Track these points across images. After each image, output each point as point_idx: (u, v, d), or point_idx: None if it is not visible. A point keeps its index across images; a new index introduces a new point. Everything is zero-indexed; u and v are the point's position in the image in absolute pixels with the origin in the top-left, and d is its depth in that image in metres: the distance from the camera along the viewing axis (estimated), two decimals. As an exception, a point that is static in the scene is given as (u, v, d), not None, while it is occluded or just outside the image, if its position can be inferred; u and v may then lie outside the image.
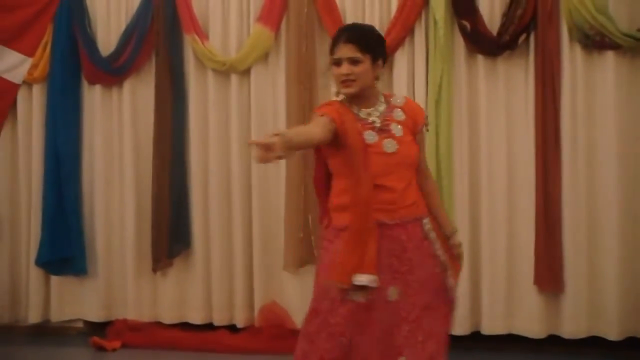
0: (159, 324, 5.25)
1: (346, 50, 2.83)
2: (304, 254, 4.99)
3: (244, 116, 5.15)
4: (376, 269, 2.78)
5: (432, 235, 2.93)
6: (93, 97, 5.34)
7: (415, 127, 2.94)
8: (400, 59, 4.86)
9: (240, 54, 5.09)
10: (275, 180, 5.10)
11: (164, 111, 5.19)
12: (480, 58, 4.77)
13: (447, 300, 2.93)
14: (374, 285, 2.78)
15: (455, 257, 2.97)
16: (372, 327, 2.83)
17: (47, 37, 5.33)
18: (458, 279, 2.99)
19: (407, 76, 4.86)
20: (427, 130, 3.04)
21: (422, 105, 4.74)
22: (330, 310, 2.84)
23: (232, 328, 5.16)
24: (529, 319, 4.74)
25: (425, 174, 3.03)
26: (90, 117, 5.35)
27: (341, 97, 2.89)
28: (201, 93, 5.22)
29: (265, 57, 5.10)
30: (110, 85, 5.34)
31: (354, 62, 2.82)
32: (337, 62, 2.85)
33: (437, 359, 2.88)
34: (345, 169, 2.86)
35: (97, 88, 5.34)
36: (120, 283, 5.30)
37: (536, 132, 4.67)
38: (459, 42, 4.79)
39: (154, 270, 5.23)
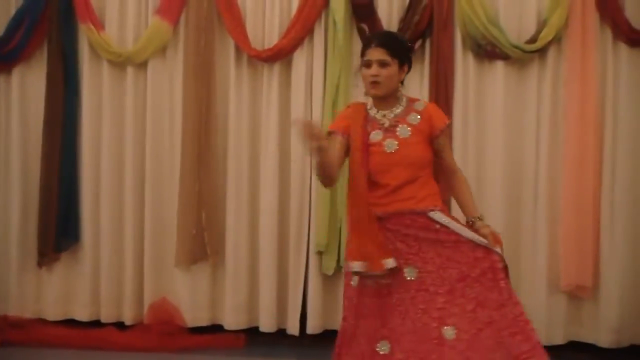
0: (42, 321, 5.08)
1: (376, 54, 3.12)
2: (196, 250, 4.94)
3: (139, 110, 5.05)
4: (364, 256, 3.06)
5: (452, 224, 3.12)
6: (-20, 80, 5.13)
7: (432, 131, 3.18)
8: (299, 59, 4.89)
9: (137, 47, 5.00)
10: (169, 176, 5.03)
11: (55, 101, 5.03)
12: (377, 61, 4.85)
13: (491, 270, 3.06)
14: (360, 269, 3.07)
15: (488, 236, 3.11)
16: (397, 308, 3.09)
17: None
18: (500, 246, 3.12)
19: (306, 76, 4.89)
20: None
21: (319, 106, 4.83)
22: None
23: (120, 325, 5.05)
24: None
25: (452, 171, 3.27)
26: (-24, 104, 5.14)
27: (367, 99, 3.23)
28: (95, 84, 5.10)
29: (163, 50, 5.03)
30: None
31: (382, 64, 3.11)
32: (367, 64, 3.14)
33: (497, 320, 3.02)
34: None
35: (-1, 79, 5.14)
36: (1, 277, 5.09)
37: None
38: (357, 45, 4.84)
39: (40, 264, 5.06)
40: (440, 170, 3.29)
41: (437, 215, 3.13)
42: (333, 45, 4.80)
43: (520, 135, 4.79)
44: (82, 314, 5.09)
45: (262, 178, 4.96)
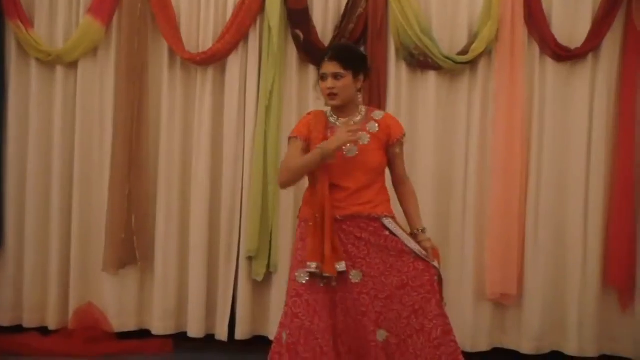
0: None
1: (330, 67, 3.31)
2: (124, 255, 4.87)
3: (69, 110, 4.96)
4: (320, 257, 3.21)
5: (399, 232, 3.33)
6: None
7: (388, 140, 3.38)
8: (234, 63, 4.87)
9: (67, 46, 4.90)
10: (98, 178, 4.94)
11: None
12: (311, 67, 4.86)
13: (429, 282, 3.26)
14: (314, 270, 3.20)
15: (429, 250, 3.33)
16: (340, 305, 3.27)
17: None
18: (438, 261, 3.35)
19: (240, 80, 4.88)
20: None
21: (252, 110, 4.82)
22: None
23: (43, 330, 4.92)
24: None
25: (402, 181, 3.47)
26: None
27: (326, 108, 3.41)
28: (23, 84, 4.99)
29: (94, 50, 4.95)
30: None
31: (336, 76, 3.30)
32: (323, 77, 3.34)
33: (428, 330, 3.22)
34: None
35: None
36: None
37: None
38: (292, 51, 4.87)
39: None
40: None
41: (389, 223, 3.33)
42: (268, 51, 4.80)
43: (450, 144, 4.86)
44: (4, 319, 4.96)
45: (194, 182, 4.92)
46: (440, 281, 3.32)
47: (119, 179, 4.86)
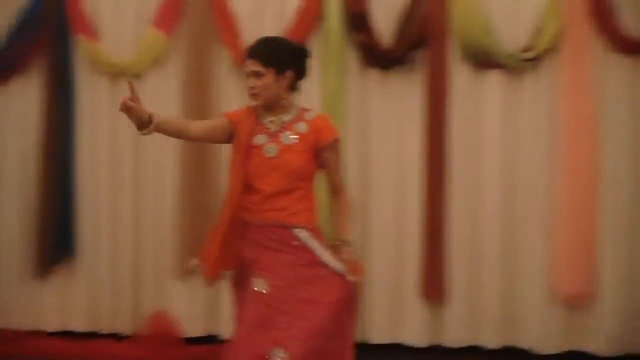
0: (39, 333, 5.07)
1: (250, 65, 3.01)
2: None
3: (136, 121, 5.05)
4: (234, 265, 3.03)
5: (312, 243, 3.00)
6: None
7: (317, 143, 3.04)
8: (295, 70, 4.89)
9: (133, 58, 5.01)
10: (168, 186, 5.03)
11: (50, 113, 5.04)
12: (373, 71, 4.86)
13: (342, 299, 2.94)
14: (196, 267, 3.05)
15: (347, 262, 2.98)
16: (244, 315, 2.98)
17: None
18: (358, 277, 2.99)
19: (301, 88, 4.87)
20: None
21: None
22: None
23: (117, 336, 5.04)
24: (414, 328, 4.85)
25: (334, 189, 3.13)
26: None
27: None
28: (91, 96, 5.10)
29: (159, 61, 5.03)
30: None
31: (256, 75, 2.99)
32: (246, 76, 3.03)
33: (331, 352, 2.92)
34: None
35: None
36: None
37: (423, 145, 4.82)
38: (353, 55, 4.87)
39: (36, 276, 5.05)
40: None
41: (301, 233, 3.00)
42: (328, 56, 4.80)
43: (517, 144, 4.79)
44: (79, 325, 5.09)
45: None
46: (355, 298, 2.99)
47: (188, 186, 4.94)
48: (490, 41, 4.68)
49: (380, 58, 4.82)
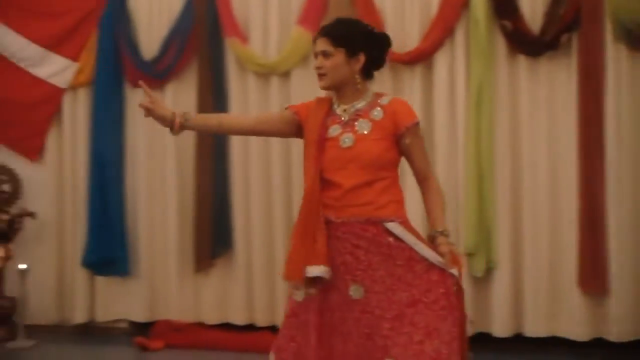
0: (201, 325, 5.30)
1: (319, 44, 2.81)
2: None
3: (284, 118, 5.17)
4: (327, 261, 2.70)
5: (408, 238, 2.72)
6: (136, 100, 5.37)
7: (396, 129, 2.78)
8: (441, 61, 4.85)
9: (280, 57, 5.12)
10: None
11: (205, 114, 5.24)
12: (521, 58, 4.74)
13: (445, 295, 2.67)
14: (326, 276, 2.69)
15: (446, 254, 2.70)
16: (338, 328, 2.73)
17: (92, 42, 5.43)
18: (459, 268, 2.73)
19: (447, 78, 4.84)
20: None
21: (462, 107, 4.76)
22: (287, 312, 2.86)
23: (274, 329, 5.18)
24: (573, 321, 4.69)
25: (423, 176, 2.85)
26: (133, 120, 5.42)
27: (330, 93, 2.88)
28: (242, 95, 5.26)
29: (305, 59, 5.12)
30: (152, 88, 5.18)
31: (325, 55, 2.79)
32: (315, 56, 2.85)
33: (445, 357, 2.61)
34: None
35: (140, 91, 5.34)
36: (163, 284, 5.37)
37: (579, 132, 4.63)
38: (500, 43, 4.76)
39: (196, 271, 5.29)
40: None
41: (394, 227, 2.72)
42: (475, 45, 4.72)
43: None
44: (238, 318, 5.27)
45: (407, 182, 4.91)
46: (460, 292, 2.72)
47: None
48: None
49: (529, 44, 4.68)
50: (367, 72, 2.83)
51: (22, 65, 5.52)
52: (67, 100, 5.53)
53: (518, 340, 4.79)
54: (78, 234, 5.46)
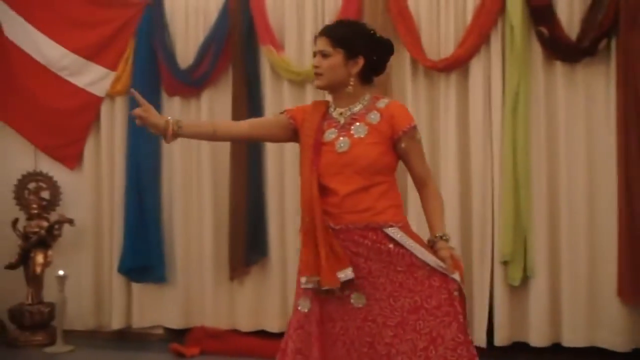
0: (236, 332, 5.32)
1: (319, 43, 2.80)
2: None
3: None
4: (316, 270, 2.66)
5: (408, 243, 2.69)
6: (172, 108, 5.45)
7: (392, 133, 2.74)
8: (476, 67, 4.82)
9: (315, 65, 5.12)
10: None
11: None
12: (558, 65, 4.69)
13: (447, 301, 2.65)
14: (352, 276, 2.65)
15: (447, 259, 2.68)
16: (341, 338, 2.70)
17: (129, 51, 5.48)
18: (460, 272, 2.71)
19: (483, 84, 4.81)
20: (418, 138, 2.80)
21: (498, 114, 4.72)
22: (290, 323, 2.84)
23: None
24: (612, 331, 4.62)
25: (421, 181, 2.83)
26: (169, 129, 5.45)
27: (329, 97, 2.87)
28: (277, 103, 5.27)
29: (340, 67, 5.12)
30: (188, 96, 5.46)
31: (323, 55, 2.77)
32: (314, 54, 2.82)
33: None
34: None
35: (176, 99, 5.47)
36: (198, 291, 5.39)
37: (618, 140, 4.57)
38: (537, 49, 4.72)
39: (231, 278, 5.31)
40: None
41: (394, 232, 2.69)
42: (511, 51, 4.69)
43: None
44: (273, 326, 5.27)
45: (443, 189, 4.88)
46: (462, 298, 2.68)
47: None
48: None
49: (566, 50, 4.63)
50: (366, 77, 2.81)
51: (61, 74, 5.59)
52: (104, 109, 5.59)
53: (556, 350, 4.74)
54: (115, 241, 5.52)
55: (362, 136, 2.74)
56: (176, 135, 2.75)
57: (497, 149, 4.77)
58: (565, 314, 4.69)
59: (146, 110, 2.72)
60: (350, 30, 2.80)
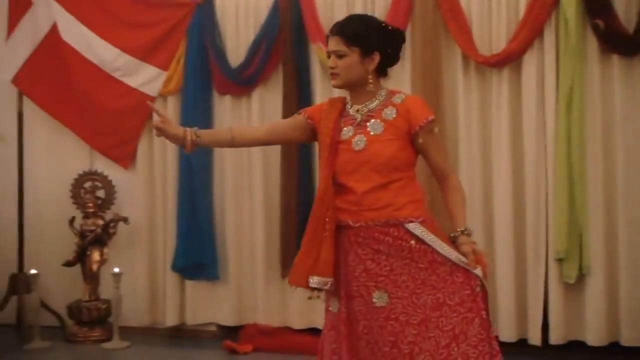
0: (288, 329, 5.34)
1: (332, 43, 2.76)
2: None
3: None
4: (331, 272, 2.68)
5: (429, 238, 2.67)
6: (223, 107, 5.49)
7: (409, 128, 2.71)
8: (529, 62, 4.75)
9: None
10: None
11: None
12: (615, 58, 4.59)
13: (470, 297, 2.64)
14: (326, 288, 2.69)
15: (470, 254, 2.67)
16: (364, 338, 2.70)
17: (181, 51, 5.54)
18: (483, 267, 2.69)
19: (537, 78, 4.74)
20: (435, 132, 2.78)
21: (552, 109, 4.64)
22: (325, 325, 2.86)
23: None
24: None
25: (441, 175, 2.80)
26: (220, 127, 5.48)
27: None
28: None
29: (389, 62, 5.09)
30: (239, 95, 5.49)
31: (339, 55, 2.73)
32: (328, 55, 2.80)
33: (472, 357, 2.61)
34: None
35: (227, 98, 5.50)
36: (250, 288, 5.43)
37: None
38: (592, 42, 4.63)
39: (283, 276, 5.33)
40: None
41: (415, 228, 2.67)
42: (565, 45, 4.61)
43: None
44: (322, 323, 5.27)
45: (496, 185, 4.87)
46: (484, 293, 2.66)
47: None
48: None
49: (623, 43, 4.53)
50: (382, 70, 2.80)
51: (114, 74, 5.68)
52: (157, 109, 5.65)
53: (614, 349, 4.65)
54: (168, 239, 5.58)
55: (378, 133, 2.72)
56: (195, 144, 2.82)
57: (551, 144, 4.70)
58: (623, 312, 4.60)
59: (164, 121, 2.81)
60: (362, 26, 2.76)
